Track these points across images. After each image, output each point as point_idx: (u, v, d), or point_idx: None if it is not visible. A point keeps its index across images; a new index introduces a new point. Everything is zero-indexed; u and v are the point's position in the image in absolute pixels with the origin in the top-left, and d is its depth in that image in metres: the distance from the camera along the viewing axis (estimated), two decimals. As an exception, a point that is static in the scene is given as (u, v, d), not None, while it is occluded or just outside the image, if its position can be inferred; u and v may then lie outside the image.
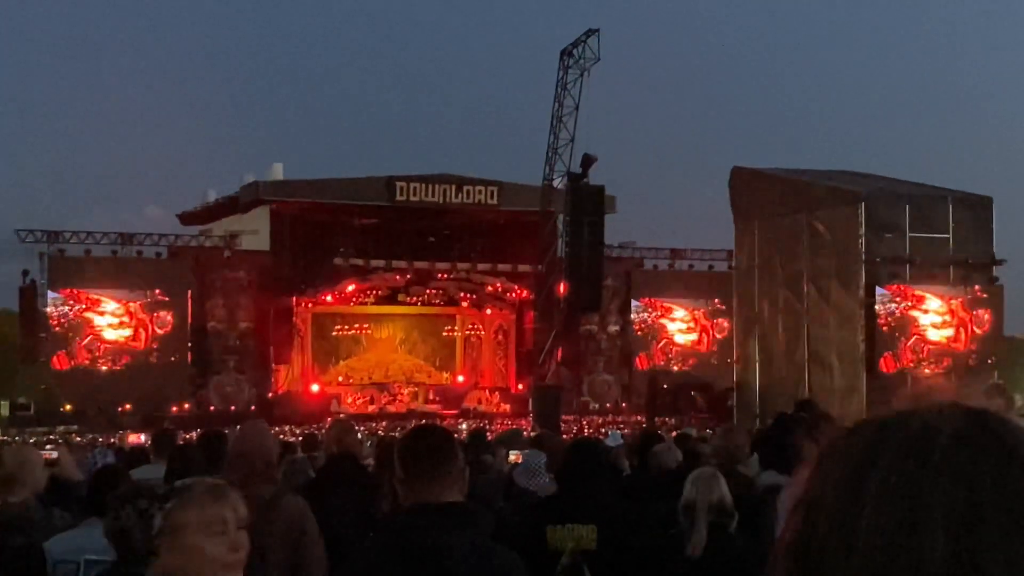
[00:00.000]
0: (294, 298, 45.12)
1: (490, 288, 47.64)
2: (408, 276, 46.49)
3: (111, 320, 41.78)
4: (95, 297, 41.53)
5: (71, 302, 41.38)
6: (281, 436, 21.93)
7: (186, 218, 50.36)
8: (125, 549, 4.13)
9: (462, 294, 48.73)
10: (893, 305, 29.28)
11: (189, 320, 42.47)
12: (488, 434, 14.73)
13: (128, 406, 39.53)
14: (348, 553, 3.97)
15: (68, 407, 39.93)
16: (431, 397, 48.07)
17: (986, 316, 29.83)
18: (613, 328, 47.45)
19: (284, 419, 37.64)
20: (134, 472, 7.18)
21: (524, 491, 7.92)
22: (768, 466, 6.81)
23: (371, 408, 45.65)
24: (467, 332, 50.92)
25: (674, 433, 15.65)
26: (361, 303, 48.22)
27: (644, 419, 38.71)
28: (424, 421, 22.95)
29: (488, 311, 49.79)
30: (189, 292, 42.50)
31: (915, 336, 29.49)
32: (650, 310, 47.85)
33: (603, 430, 32.52)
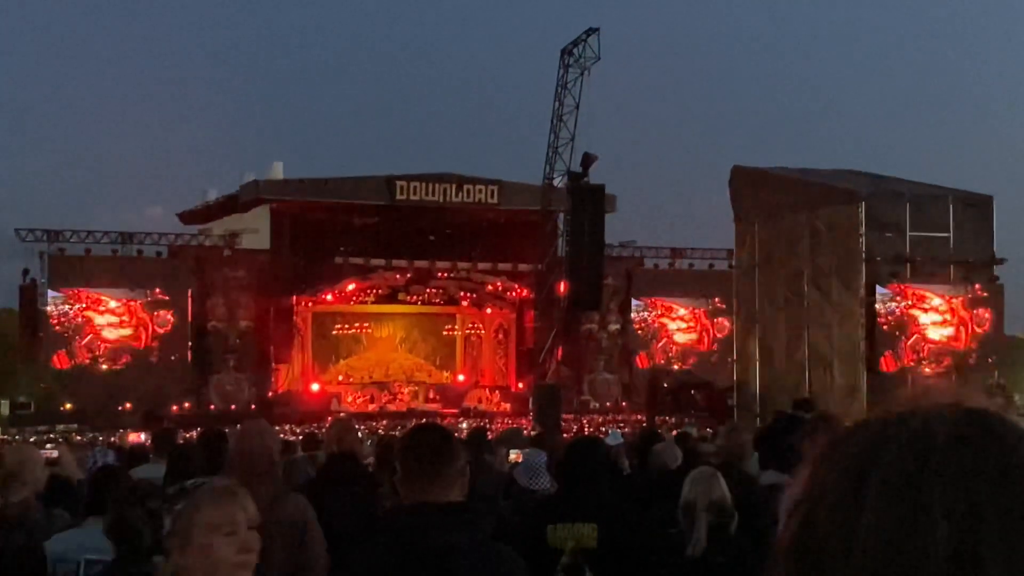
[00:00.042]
0: (294, 297, 45.13)
1: (490, 287, 47.64)
2: (408, 275, 46.50)
3: (111, 319, 41.79)
4: (95, 296, 41.54)
5: (71, 301, 41.39)
6: (281, 435, 21.91)
7: (186, 217, 50.36)
8: (125, 547, 4.13)
9: (462, 293, 48.74)
10: (893, 304, 29.28)
11: (189, 319, 42.48)
12: (488, 433, 14.72)
13: (128, 405, 39.52)
14: (349, 552, 3.97)
15: (68, 406, 39.93)
16: (431, 396, 48.09)
17: (986, 315, 29.83)
18: (613, 327, 47.45)
19: (284, 418, 37.63)
20: (134, 471, 7.18)
21: (524, 490, 7.91)
22: (768, 465, 6.81)
23: (371, 407, 45.66)
24: (467, 331, 50.93)
25: (674, 432, 15.65)
26: (361, 302, 48.24)
27: (644, 418, 38.69)
28: (424, 420, 22.96)
29: (488, 310, 49.80)
30: (189, 291, 42.52)
31: (915, 335, 29.50)
32: (650, 309, 47.87)
33: (603, 429, 32.51)
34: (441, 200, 44.54)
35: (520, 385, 46.97)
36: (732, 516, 5.33)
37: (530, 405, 40.33)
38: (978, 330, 29.73)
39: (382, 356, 49.54)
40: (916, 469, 0.94)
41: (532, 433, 20.18)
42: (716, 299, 45.60)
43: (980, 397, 1.01)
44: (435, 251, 46.08)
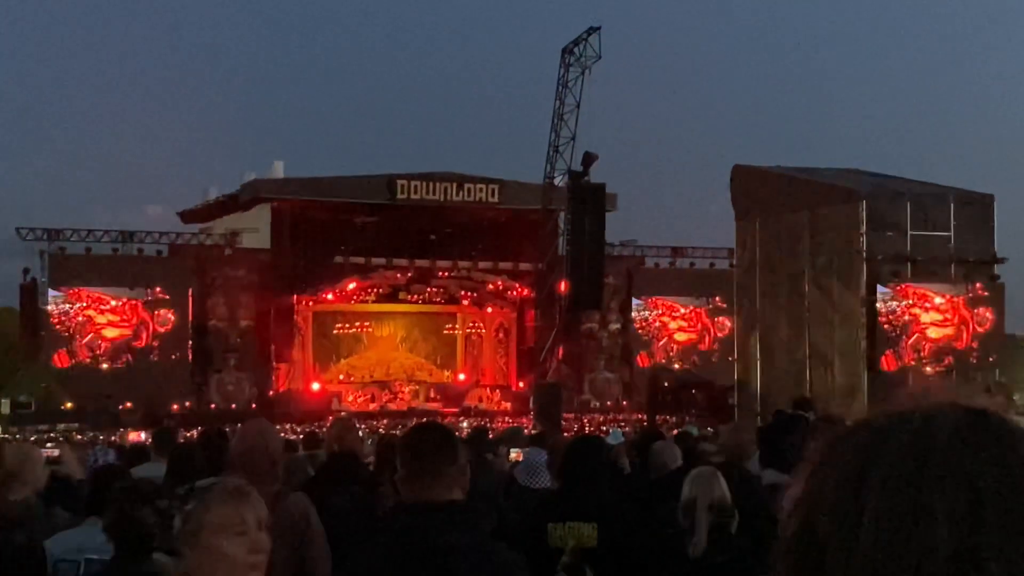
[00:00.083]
0: (295, 296, 45.14)
1: (491, 286, 47.64)
2: (409, 274, 46.50)
3: (112, 318, 41.80)
4: (96, 295, 41.55)
5: (72, 300, 41.40)
6: (282, 434, 21.91)
7: (187, 216, 50.38)
8: (124, 546, 4.13)
9: (463, 292, 48.73)
10: (894, 303, 29.28)
11: (190, 318, 42.49)
12: (489, 432, 14.72)
13: (129, 404, 39.55)
14: (350, 551, 3.97)
15: (69, 405, 39.94)
16: (432, 395, 48.09)
17: (987, 314, 29.82)
18: (614, 326, 47.46)
19: (285, 417, 37.64)
20: (135, 470, 7.18)
21: (525, 489, 7.91)
22: (768, 465, 6.80)
23: (372, 406, 45.67)
24: (468, 330, 50.93)
25: (675, 431, 15.65)
26: (362, 301, 48.24)
27: (645, 417, 38.70)
28: (425, 419, 22.97)
29: (489, 309, 49.79)
30: (190, 290, 42.53)
31: (916, 334, 29.49)
32: (651, 308, 47.87)
33: (604, 428, 32.52)
34: (442, 199, 44.54)
35: (521, 384, 46.98)
36: (732, 516, 5.33)
37: (531, 404, 40.36)
38: (979, 329, 29.72)
39: (383, 355, 49.54)
40: (917, 469, 0.94)
41: (533, 432, 20.19)
42: (717, 298, 45.60)
43: (980, 396, 1.01)
44: (436, 250, 46.07)
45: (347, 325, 49.04)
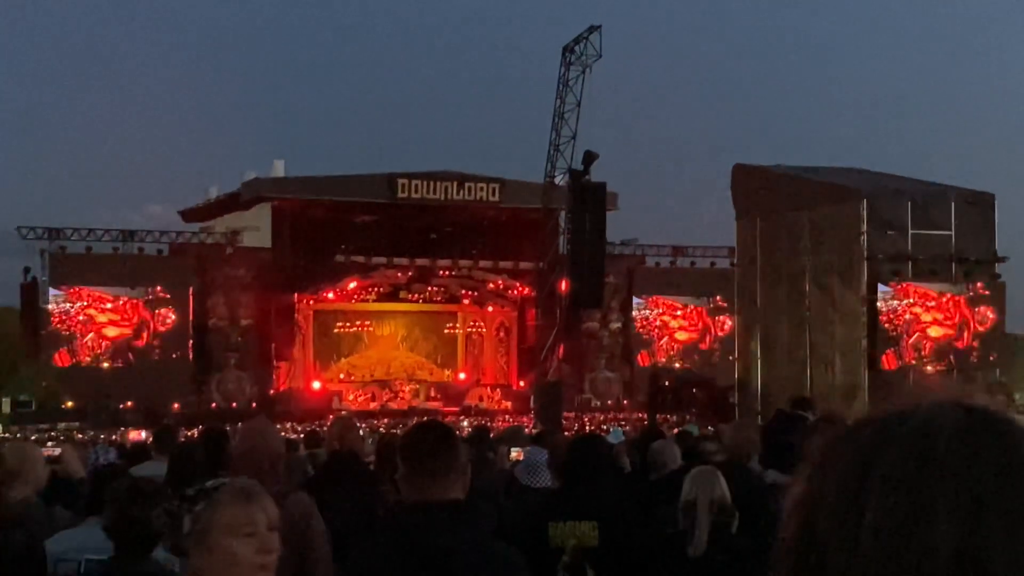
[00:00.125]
0: (295, 295, 45.14)
1: (491, 285, 47.64)
2: (410, 273, 46.50)
3: (112, 317, 41.82)
4: (96, 294, 41.56)
5: (72, 299, 41.41)
6: (283, 433, 21.94)
7: (187, 215, 50.38)
8: (124, 544, 4.13)
9: (463, 291, 48.74)
10: (895, 302, 29.27)
11: (191, 317, 42.50)
12: (490, 431, 14.72)
13: (129, 403, 39.56)
14: (350, 551, 3.97)
15: (69, 404, 39.97)
16: (432, 394, 48.09)
17: (988, 313, 29.81)
18: (615, 325, 47.46)
19: (286, 416, 37.68)
20: (136, 469, 7.18)
21: (526, 488, 7.91)
22: (769, 464, 6.80)
23: (373, 405, 45.69)
24: (469, 329, 50.94)
25: (675, 430, 15.64)
26: (362, 300, 48.24)
27: (645, 416, 38.71)
28: (425, 418, 22.98)
29: (490, 308, 49.80)
30: (191, 289, 42.53)
31: (917, 333, 29.49)
32: (652, 307, 47.87)
33: (604, 427, 32.53)
34: (442, 198, 44.55)
35: (521, 383, 46.99)
36: (733, 515, 5.33)
37: (531, 403, 40.38)
38: (980, 328, 29.71)
39: (383, 354, 49.54)
40: (919, 467, 0.94)
41: (533, 431, 20.19)
42: (717, 297, 45.59)
43: (981, 395, 1.01)
44: (436, 249, 46.07)
45: (348, 324, 49.04)
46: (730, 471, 5.85)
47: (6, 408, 40.31)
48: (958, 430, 0.96)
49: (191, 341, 42.64)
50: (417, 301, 48.97)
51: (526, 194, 43.01)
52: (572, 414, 40.78)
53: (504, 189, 44.86)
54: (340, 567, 4.65)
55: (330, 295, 46.48)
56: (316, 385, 47.05)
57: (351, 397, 46.51)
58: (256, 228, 43.66)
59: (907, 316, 29.42)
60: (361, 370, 48.95)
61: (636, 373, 46.34)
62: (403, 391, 47.78)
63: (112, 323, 41.77)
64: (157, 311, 42.04)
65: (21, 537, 4.88)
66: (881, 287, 29.11)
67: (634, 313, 47.54)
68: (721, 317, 45.70)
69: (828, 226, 29.39)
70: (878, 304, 29.06)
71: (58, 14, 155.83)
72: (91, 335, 41.50)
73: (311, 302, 46.90)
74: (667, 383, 41.67)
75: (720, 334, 45.98)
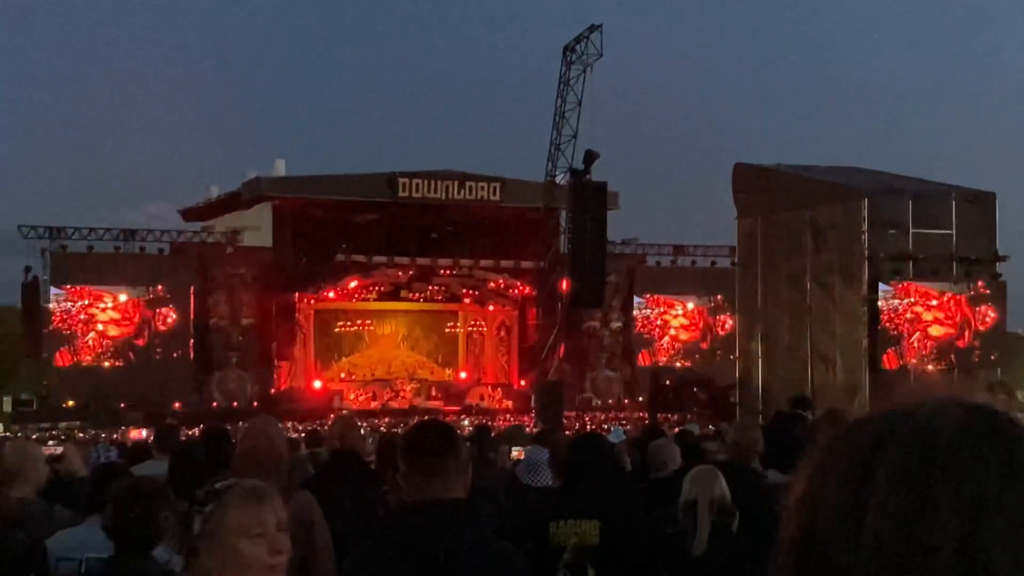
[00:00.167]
0: (296, 294, 45.15)
1: (492, 284, 47.64)
2: (410, 272, 46.50)
3: (113, 316, 41.83)
4: (98, 293, 41.57)
5: (74, 299, 41.42)
6: (284, 433, 21.91)
7: (188, 214, 50.40)
8: (124, 543, 4.13)
9: (464, 290, 48.73)
10: (896, 302, 29.25)
11: (191, 316, 42.51)
12: (491, 431, 14.72)
13: (130, 402, 39.57)
14: (352, 549, 3.97)
15: (71, 403, 39.98)
16: (433, 393, 48.09)
17: (989, 313, 29.79)
18: (615, 324, 47.46)
19: (287, 415, 37.66)
20: (136, 468, 7.18)
21: (526, 487, 7.91)
22: (770, 465, 6.79)
23: (373, 404, 45.68)
24: (469, 328, 50.93)
25: (676, 430, 15.64)
26: (363, 299, 48.24)
27: (646, 415, 38.70)
28: (427, 417, 23.01)
29: (490, 307, 49.80)
30: (192, 288, 42.54)
31: (918, 332, 29.47)
32: (652, 306, 47.88)
33: (605, 426, 32.54)
34: (443, 197, 44.55)
35: (522, 382, 46.99)
36: (733, 515, 5.32)
37: (532, 402, 40.38)
38: (981, 327, 29.69)
39: (384, 353, 49.54)
40: (920, 466, 0.94)
41: (534, 430, 20.20)
42: (718, 296, 45.59)
43: (983, 394, 1.01)
44: (437, 248, 46.09)
45: (349, 323, 49.04)
46: (731, 471, 5.84)
47: (7, 407, 40.33)
48: (959, 429, 0.96)
49: (192, 340, 42.65)
50: (418, 300, 48.96)
51: (527, 193, 43.01)
52: (573, 413, 40.78)
53: (505, 188, 44.86)
54: (341, 566, 4.65)
55: (331, 294, 46.48)
56: (317, 384, 47.06)
57: (352, 396, 46.50)
58: (257, 227, 43.68)
59: (908, 315, 29.40)
60: (362, 369, 48.95)
61: (637, 372, 46.34)
62: (404, 390, 47.78)
63: (113, 322, 41.78)
64: (158, 310, 42.05)
65: (22, 536, 4.88)
66: (882, 286, 29.09)
67: (635, 312, 47.55)
68: (722, 316, 45.69)
69: (829, 225, 29.38)
70: (879, 303, 29.04)
71: (58, 14, 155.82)
72: (92, 334, 41.51)
73: (312, 301, 46.90)
74: (668, 382, 41.66)
75: (721, 333, 45.97)
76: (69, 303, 41.37)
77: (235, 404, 41.12)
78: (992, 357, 29.56)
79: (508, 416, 40.95)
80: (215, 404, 41.43)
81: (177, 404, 40.08)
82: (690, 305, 47.82)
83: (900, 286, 29.23)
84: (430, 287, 48.26)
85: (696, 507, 5.28)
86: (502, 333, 50.06)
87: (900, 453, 0.95)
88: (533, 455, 8.50)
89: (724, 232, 38.04)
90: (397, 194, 43.98)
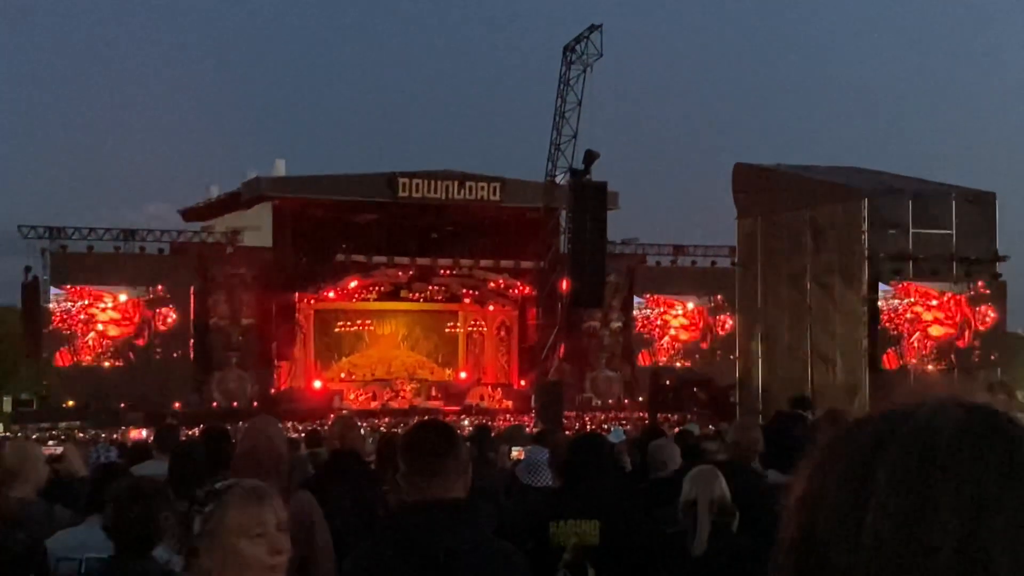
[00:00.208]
0: (296, 294, 45.16)
1: (492, 284, 47.64)
2: (410, 272, 46.50)
3: (113, 316, 41.83)
4: (98, 293, 41.57)
5: (74, 298, 41.42)
6: (284, 433, 21.90)
7: (188, 214, 50.40)
8: (123, 543, 4.13)
9: (464, 290, 48.74)
10: (896, 301, 29.25)
11: (191, 316, 42.51)
12: (491, 430, 14.71)
13: (130, 402, 39.57)
14: (352, 549, 3.97)
15: (71, 403, 39.98)
16: (433, 393, 48.08)
17: (989, 313, 29.79)
18: (615, 324, 47.45)
19: (287, 415, 37.65)
20: (137, 468, 7.18)
21: (526, 487, 7.91)
22: (769, 466, 6.79)
23: (374, 404, 45.68)
24: (469, 328, 50.93)
25: (676, 430, 15.64)
26: (363, 299, 48.24)
27: (646, 415, 38.70)
28: (427, 417, 23.02)
29: (491, 307, 49.80)
30: (192, 288, 42.54)
31: (918, 333, 29.47)
32: (652, 306, 47.87)
33: (605, 426, 32.54)
34: (443, 197, 44.54)
35: (522, 382, 46.99)
36: (733, 515, 5.32)
37: (532, 402, 40.38)
38: (981, 328, 29.69)
39: (384, 353, 49.54)
40: (920, 466, 0.94)
41: (534, 430, 20.20)
42: (718, 296, 45.59)
43: (983, 394, 1.01)
44: (437, 248, 46.10)
45: (349, 323, 49.04)
46: (731, 471, 5.84)
47: (7, 407, 40.33)
48: (959, 429, 0.96)
49: (192, 340, 42.65)
50: (418, 300, 48.97)
51: (527, 193, 43.01)
52: (573, 413, 40.78)
53: (505, 188, 44.85)
54: (341, 566, 4.65)
55: (331, 294, 46.48)
56: (317, 384, 47.06)
57: (352, 396, 46.50)
58: (257, 227, 43.68)
59: (908, 315, 29.40)
60: (362, 369, 48.96)
61: (637, 372, 46.34)
62: (404, 390, 47.78)
63: (113, 322, 41.78)
64: (158, 310, 42.05)
65: (22, 536, 4.88)
66: (882, 286, 29.09)
67: (635, 312, 47.54)
68: (722, 316, 45.69)
69: (829, 225, 29.38)
70: (879, 303, 29.04)
71: (58, 14, 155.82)
72: (92, 334, 41.51)
73: (312, 301, 46.91)
74: (668, 382, 41.66)
75: (721, 333, 45.97)
76: (69, 303, 41.36)
77: (235, 404, 41.13)
78: (992, 357, 29.56)
79: (508, 416, 40.94)
80: (215, 404, 41.43)
81: (177, 404, 40.08)
82: (690, 305, 47.82)
83: (900, 286, 29.23)
84: (430, 287, 48.27)
85: (696, 507, 5.28)
86: (502, 333, 50.06)
87: (900, 453, 0.95)
88: (533, 455, 8.50)
89: (724, 232, 38.07)
90: (397, 194, 43.98)
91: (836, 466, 0.98)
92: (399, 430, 16.48)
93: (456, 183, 44.65)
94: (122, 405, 39.33)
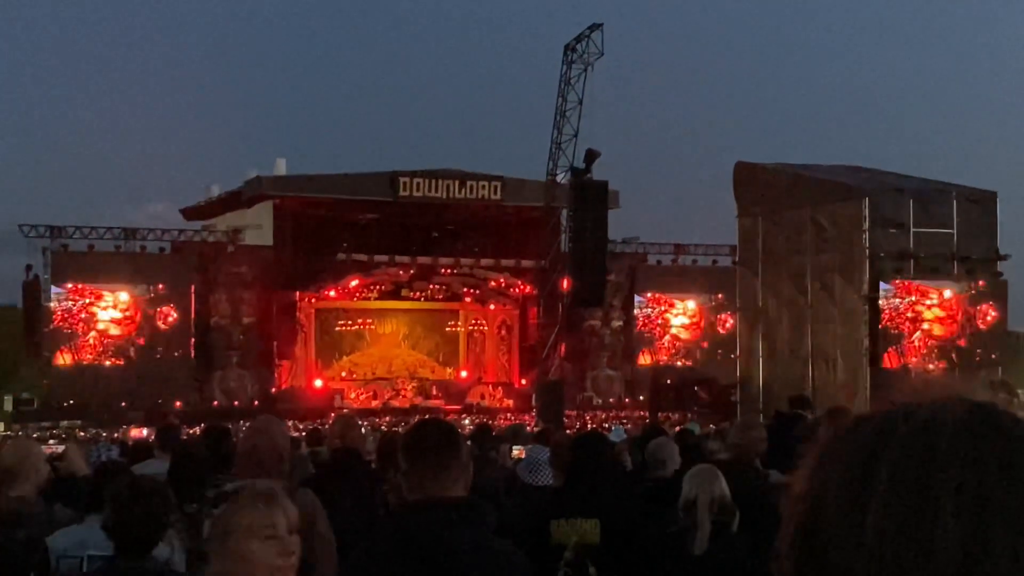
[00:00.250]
0: (297, 293, 45.16)
1: (493, 283, 47.64)
2: (411, 271, 46.51)
3: (114, 315, 41.82)
4: (98, 292, 41.58)
5: (74, 297, 41.42)
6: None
7: (189, 213, 50.39)
8: (124, 542, 4.13)
9: (465, 289, 48.74)
10: (897, 300, 29.27)
11: (192, 315, 42.51)
12: (492, 429, 14.72)
13: (131, 401, 39.57)
14: (352, 549, 3.97)
15: (71, 402, 39.99)
16: (434, 392, 48.08)
17: (990, 311, 29.81)
18: (616, 323, 47.45)
19: (288, 414, 37.62)
20: (138, 467, 7.19)
21: (527, 486, 7.91)
22: (768, 465, 6.79)
23: (374, 403, 45.68)
24: (470, 327, 50.93)
25: (677, 429, 15.63)
26: (364, 298, 48.24)
27: (647, 414, 38.71)
28: (427, 416, 23.02)
29: (491, 306, 49.80)
30: (192, 287, 42.53)
31: (919, 331, 29.48)
32: (653, 305, 47.85)
33: (606, 425, 32.53)
34: (444, 196, 44.52)
35: (523, 381, 46.99)
36: (733, 514, 5.32)
37: (533, 401, 40.42)
38: (981, 326, 29.70)
39: (385, 352, 49.54)
40: (921, 464, 0.94)
41: (535, 429, 20.20)
42: (719, 295, 45.57)
43: (984, 393, 1.01)
44: (438, 247, 46.10)
45: (349, 322, 49.04)
46: (732, 470, 5.84)
47: (8, 406, 40.33)
48: (961, 427, 0.96)
49: (193, 339, 42.64)
50: (419, 299, 48.98)
51: (528, 192, 43.01)
52: (574, 412, 40.79)
53: (506, 187, 44.84)
54: (342, 565, 4.65)
55: (332, 293, 46.49)
56: (318, 383, 47.06)
57: (353, 395, 46.52)
58: (258, 226, 43.68)
59: (909, 314, 29.42)
60: (363, 368, 48.96)
61: (638, 371, 46.34)
62: (405, 389, 47.77)
63: (114, 321, 41.77)
64: (159, 309, 42.05)
65: (22, 536, 4.88)
66: (883, 285, 29.10)
67: (636, 311, 47.52)
68: (723, 315, 45.67)
69: (830, 224, 29.39)
70: (880, 302, 29.06)
71: (58, 14, 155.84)
72: (93, 333, 41.50)
73: (313, 300, 46.91)
74: (669, 381, 41.68)
75: (722, 332, 45.95)
76: (70, 302, 41.36)
77: (236, 403, 41.15)
78: (993, 356, 29.58)
79: (509, 415, 40.94)
80: (216, 403, 41.46)
81: (178, 403, 40.09)
82: (691, 304, 47.79)
83: (901, 285, 29.24)
84: (431, 286, 48.27)
85: (696, 506, 5.28)
86: (503, 332, 50.06)
87: (901, 452, 0.95)
88: (534, 454, 8.50)
89: (725, 231, 38.08)
90: (398, 193, 43.97)
91: (837, 465, 0.98)
92: (400, 429, 16.49)
93: (457, 182, 44.63)
94: (123, 404, 39.33)
